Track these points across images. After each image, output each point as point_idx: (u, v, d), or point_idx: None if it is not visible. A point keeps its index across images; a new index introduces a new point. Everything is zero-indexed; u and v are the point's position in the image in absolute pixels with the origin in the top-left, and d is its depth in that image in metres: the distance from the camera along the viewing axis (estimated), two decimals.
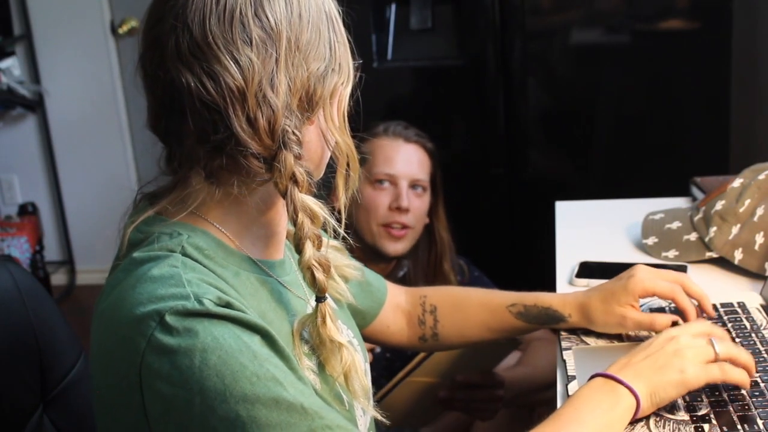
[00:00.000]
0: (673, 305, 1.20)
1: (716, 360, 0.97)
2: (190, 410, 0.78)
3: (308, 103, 0.88)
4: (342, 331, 0.95)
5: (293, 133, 0.86)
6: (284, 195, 0.87)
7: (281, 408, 0.79)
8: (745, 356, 0.99)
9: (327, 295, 0.90)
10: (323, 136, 0.92)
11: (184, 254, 0.86)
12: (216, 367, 0.78)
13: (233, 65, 0.83)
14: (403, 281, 1.92)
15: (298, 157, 0.87)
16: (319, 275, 0.88)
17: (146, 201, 0.94)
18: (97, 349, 0.86)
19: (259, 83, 0.84)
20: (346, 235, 0.92)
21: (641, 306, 1.19)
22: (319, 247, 0.88)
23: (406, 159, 1.88)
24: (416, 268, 1.95)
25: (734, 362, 0.99)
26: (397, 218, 1.86)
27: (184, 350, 0.79)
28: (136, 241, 0.89)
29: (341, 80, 0.92)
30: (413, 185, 1.89)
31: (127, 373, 0.81)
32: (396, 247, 1.88)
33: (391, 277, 1.94)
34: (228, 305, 0.82)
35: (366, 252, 1.90)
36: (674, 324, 1.13)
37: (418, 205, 1.89)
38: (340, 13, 0.93)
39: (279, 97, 0.85)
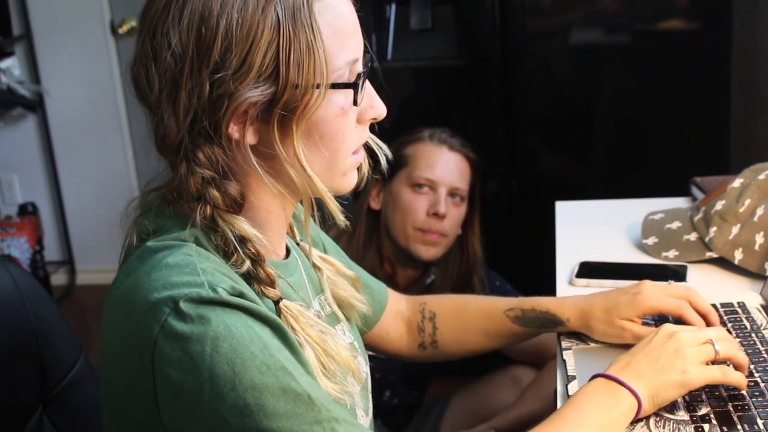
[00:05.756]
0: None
1: (716, 359, 0.98)
2: (200, 397, 0.79)
3: (225, 124, 0.85)
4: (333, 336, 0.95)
5: (201, 153, 0.86)
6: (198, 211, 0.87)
7: (289, 398, 0.80)
8: (742, 357, 1.00)
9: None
10: (273, 162, 0.89)
11: (198, 244, 0.87)
12: (227, 355, 0.79)
13: (144, 80, 0.88)
14: (430, 289, 1.91)
15: (209, 180, 0.86)
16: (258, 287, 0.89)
17: (157, 195, 0.94)
18: (110, 335, 0.86)
19: (158, 99, 0.86)
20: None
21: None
22: (260, 264, 0.88)
23: (448, 166, 1.88)
24: (444, 278, 1.94)
25: (733, 362, 0.99)
26: (432, 224, 1.86)
27: (196, 337, 0.79)
28: (148, 232, 0.90)
29: (296, 103, 0.85)
30: (452, 193, 1.88)
31: (141, 359, 0.81)
32: (429, 252, 1.87)
33: (418, 284, 1.93)
34: (241, 295, 0.83)
35: (398, 255, 1.89)
36: None
37: (454, 213, 1.89)
38: (313, 29, 0.85)
39: (175, 115, 0.85)
